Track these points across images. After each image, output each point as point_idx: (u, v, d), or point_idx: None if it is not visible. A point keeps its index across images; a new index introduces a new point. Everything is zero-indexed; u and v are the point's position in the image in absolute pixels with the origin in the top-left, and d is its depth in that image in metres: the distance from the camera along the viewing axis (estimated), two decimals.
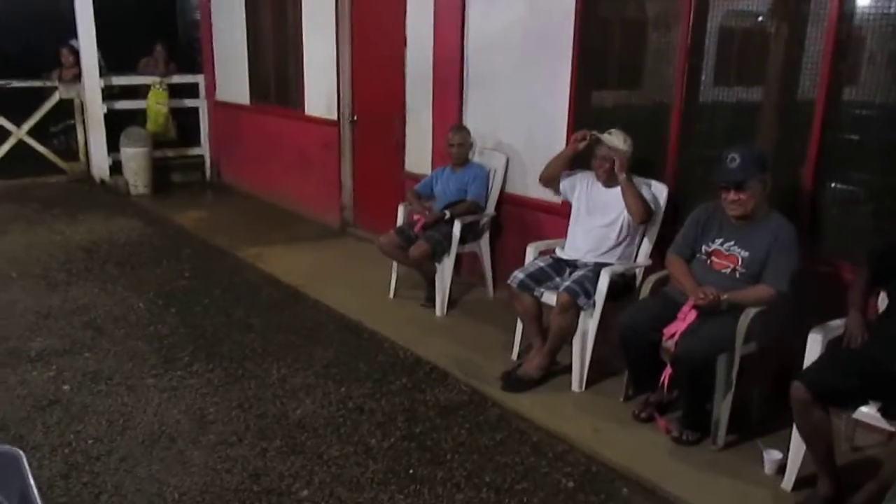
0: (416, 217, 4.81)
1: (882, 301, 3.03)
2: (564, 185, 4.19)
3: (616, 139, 3.90)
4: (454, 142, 4.89)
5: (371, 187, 6.58)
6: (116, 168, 8.49)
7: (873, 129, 3.53)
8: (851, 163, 3.58)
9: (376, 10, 6.15)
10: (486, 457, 3.22)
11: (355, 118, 6.59)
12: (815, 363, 2.84)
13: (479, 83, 5.20)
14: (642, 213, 3.79)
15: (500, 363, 4.02)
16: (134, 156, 8.31)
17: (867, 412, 2.73)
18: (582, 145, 4.05)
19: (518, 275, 3.90)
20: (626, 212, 3.85)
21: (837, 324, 2.96)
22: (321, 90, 6.84)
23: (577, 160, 4.22)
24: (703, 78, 4.08)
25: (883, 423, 2.70)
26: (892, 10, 3.38)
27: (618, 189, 3.89)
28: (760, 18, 4.00)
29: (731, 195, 3.21)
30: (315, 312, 4.87)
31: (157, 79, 8.59)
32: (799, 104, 3.69)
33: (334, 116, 6.69)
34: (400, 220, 5.03)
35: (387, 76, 6.01)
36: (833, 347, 2.90)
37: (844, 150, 3.54)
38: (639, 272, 3.94)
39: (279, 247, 6.34)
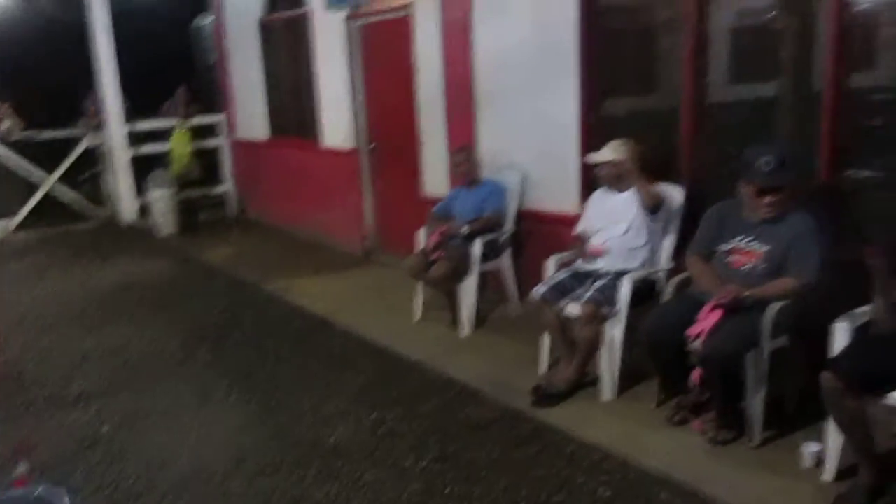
0: (433, 236, 4.84)
1: None
2: (582, 223, 4.20)
3: (605, 153, 3.96)
4: (458, 161, 5.02)
5: (392, 213, 6.65)
6: (144, 210, 8.70)
7: (887, 113, 3.51)
8: (867, 149, 3.55)
9: (385, 39, 6.26)
10: (521, 472, 3.21)
11: (373, 145, 6.68)
12: (845, 351, 2.82)
13: (491, 101, 5.25)
14: (649, 199, 3.81)
15: (530, 378, 4.01)
16: (160, 198, 8.50)
17: None
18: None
19: (540, 288, 3.91)
20: (640, 212, 3.87)
21: (863, 311, 2.93)
22: (338, 121, 6.94)
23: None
24: (712, 78, 4.08)
25: None
26: None
27: (628, 192, 3.93)
28: (765, 13, 4.01)
29: (767, 199, 3.20)
30: (344, 340, 4.91)
31: (179, 121, 8.78)
32: (809, 96, 3.68)
33: (352, 145, 6.79)
34: (422, 243, 5.07)
35: (400, 102, 6.09)
36: (861, 334, 2.87)
37: (859, 138, 3.52)
38: (661, 276, 3.93)
39: (306, 277, 6.41)
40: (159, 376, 4.46)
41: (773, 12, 3.96)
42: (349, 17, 6.49)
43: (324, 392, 4.10)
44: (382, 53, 6.35)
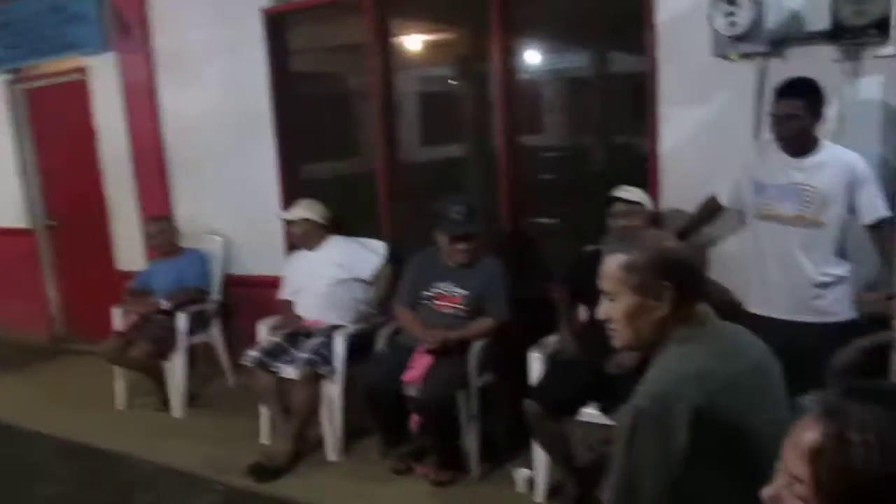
0: (131, 315, 4.48)
1: (584, 313, 3.38)
2: (285, 289, 4.16)
3: (295, 212, 4.06)
4: (151, 233, 4.74)
5: (82, 293, 6.01)
6: None
7: (551, 168, 3.99)
8: (539, 199, 3.98)
9: (59, 105, 5.73)
10: None
11: (52, 222, 6.02)
12: (541, 379, 3.09)
13: (186, 168, 5.03)
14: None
15: (253, 453, 3.79)
16: None
17: (592, 413, 3.00)
18: None
19: (252, 353, 3.78)
20: (344, 267, 3.96)
21: (553, 339, 3.25)
22: (6, 197, 6.14)
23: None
24: (403, 141, 4.33)
25: (606, 420, 2.97)
26: (556, 66, 3.88)
27: (322, 250, 4.02)
28: (446, 81, 4.38)
29: (461, 245, 3.41)
30: (33, 445, 4.27)
31: None
32: (489, 154, 4.03)
33: (26, 224, 6.05)
34: (119, 324, 4.64)
35: (83, 173, 5.58)
36: (553, 362, 3.17)
37: (533, 190, 3.94)
38: (375, 328, 3.99)
39: None
40: None
41: (453, 80, 4.33)
42: (12, 82, 5.85)
43: None
44: (57, 120, 5.79)
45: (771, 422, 1.52)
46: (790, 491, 0.97)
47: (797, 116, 2.71)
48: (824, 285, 2.80)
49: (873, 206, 2.74)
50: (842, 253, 2.82)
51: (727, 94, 3.16)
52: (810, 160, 2.78)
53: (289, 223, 4.12)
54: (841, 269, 2.81)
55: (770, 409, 1.56)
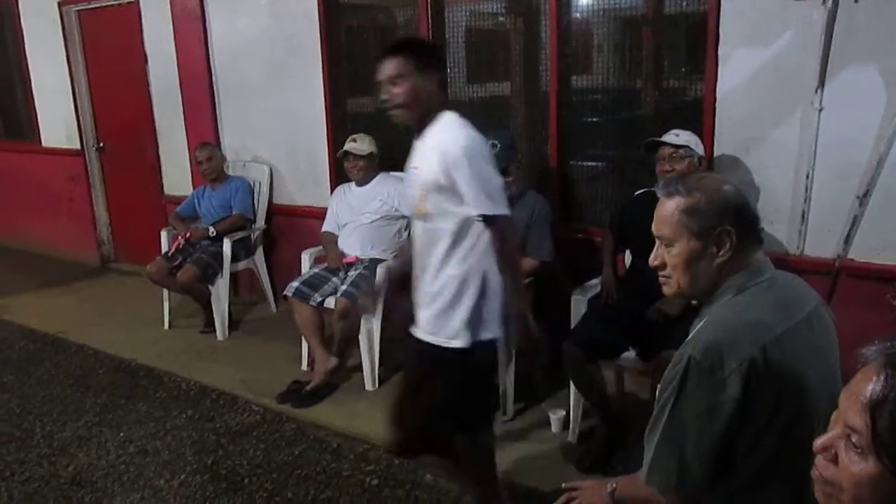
0: (177, 239, 4.56)
1: (628, 257, 3.34)
2: (328, 222, 4.17)
3: (362, 146, 3.98)
4: (200, 159, 4.74)
5: (130, 216, 6.14)
6: None
7: (601, 109, 3.89)
8: (587, 140, 3.90)
9: (109, 28, 5.74)
10: (285, 473, 3.12)
11: (101, 145, 6.11)
12: (581, 321, 3.07)
13: (232, 95, 5.03)
14: None
15: (290, 378, 3.89)
16: None
17: (629, 357, 2.99)
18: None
19: (293, 283, 3.83)
20: (388, 203, 3.95)
21: (594, 283, 3.22)
22: (58, 118, 6.24)
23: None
24: (450, 75, 4.23)
25: (641, 365, 2.96)
26: (609, 5, 3.73)
27: (371, 185, 4.01)
28: (494, 17, 4.25)
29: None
30: (81, 358, 4.44)
31: None
32: (537, 92, 3.95)
33: (77, 145, 6.15)
34: (165, 247, 4.73)
35: (131, 96, 5.63)
36: (593, 305, 3.15)
37: (580, 130, 3.85)
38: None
39: (30, 294, 5.70)
40: None
41: (504, 16, 4.21)
42: (64, 3, 5.86)
43: (59, 418, 3.67)
44: (108, 43, 5.81)
45: (823, 373, 1.49)
46: (845, 441, 0.95)
47: (402, 76, 2.21)
48: (437, 296, 2.27)
49: (474, 199, 2.18)
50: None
51: (792, 37, 3.01)
52: (426, 136, 2.27)
53: (347, 155, 4.02)
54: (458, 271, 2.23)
55: (822, 360, 1.52)
